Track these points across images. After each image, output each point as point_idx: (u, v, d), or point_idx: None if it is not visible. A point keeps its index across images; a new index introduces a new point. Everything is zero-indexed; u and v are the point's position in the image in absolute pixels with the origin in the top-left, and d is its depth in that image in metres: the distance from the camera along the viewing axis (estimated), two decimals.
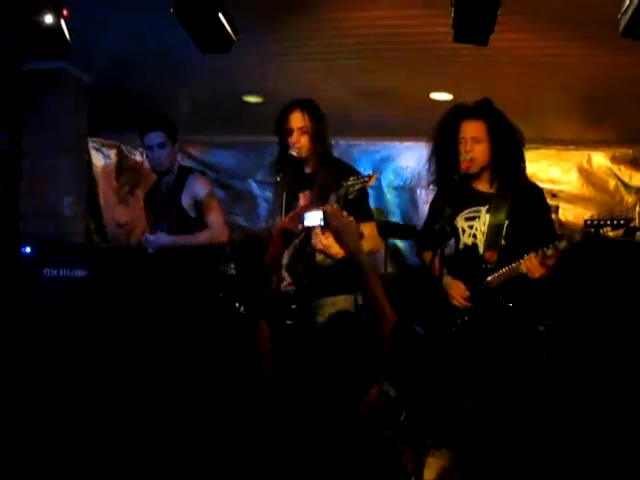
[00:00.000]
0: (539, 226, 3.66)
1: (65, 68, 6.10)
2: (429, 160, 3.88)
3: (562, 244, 3.42)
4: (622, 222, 3.45)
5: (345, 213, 2.86)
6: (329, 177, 3.78)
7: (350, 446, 2.20)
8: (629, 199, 7.15)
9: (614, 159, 7.29)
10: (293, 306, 3.73)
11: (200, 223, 4.40)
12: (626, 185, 7.21)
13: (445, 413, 3.71)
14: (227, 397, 4.00)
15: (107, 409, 4.11)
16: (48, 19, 4.04)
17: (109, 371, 4.43)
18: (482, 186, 3.79)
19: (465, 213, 3.77)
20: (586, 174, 7.39)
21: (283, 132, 3.90)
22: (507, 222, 3.66)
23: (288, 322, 3.65)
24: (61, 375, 4.55)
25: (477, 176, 3.75)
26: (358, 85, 6.09)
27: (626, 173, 7.22)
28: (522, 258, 3.50)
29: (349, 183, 3.45)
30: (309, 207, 3.44)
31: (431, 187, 4.00)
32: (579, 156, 7.42)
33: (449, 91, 6.12)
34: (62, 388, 4.40)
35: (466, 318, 3.71)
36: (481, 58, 4.90)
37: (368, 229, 3.82)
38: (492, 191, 3.76)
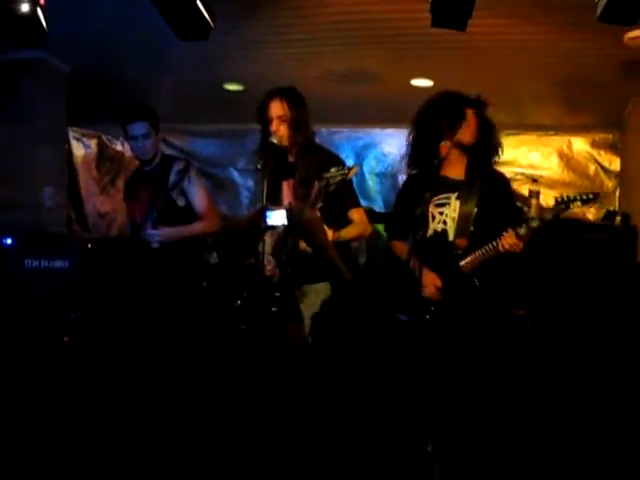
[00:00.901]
0: (507, 212, 3.75)
1: (43, 57, 6.06)
2: (410, 145, 3.92)
3: (535, 222, 3.54)
4: (591, 196, 3.53)
5: (310, 210, 2.86)
6: (311, 165, 3.79)
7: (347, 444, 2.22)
8: (609, 184, 7.22)
9: (594, 144, 7.34)
10: (277, 294, 3.73)
11: (188, 211, 4.40)
12: (606, 170, 7.27)
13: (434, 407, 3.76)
14: (209, 385, 4.02)
15: (94, 398, 4.12)
16: (24, 7, 4.00)
17: (96, 362, 4.43)
18: (454, 173, 3.86)
19: (435, 199, 3.82)
20: (566, 159, 7.43)
21: (264, 120, 3.90)
22: (476, 209, 3.76)
23: (273, 309, 3.66)
24: (44, 367, 4.55)
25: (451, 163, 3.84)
26: (339, 72, 6.08)
27: (606, 158, 7.27)
28: (495, 240, 3.60)
29: (329, 175, 3.45)
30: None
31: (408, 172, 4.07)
32: (559, 141, 7.47)
33: (430, 77, 6.12)
34: (46, 380, 4.40)
35: (440, 305, 3.73)
36: (461, 44, 4.91)
37: (357, 214, 3.88)
38: (462, 178, 3.85)
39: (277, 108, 3.86)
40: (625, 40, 4.53)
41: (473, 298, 3.72)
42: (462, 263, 3.72)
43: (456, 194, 3.83)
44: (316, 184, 3.54)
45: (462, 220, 3.79)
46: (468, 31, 3.78)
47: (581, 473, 3.54)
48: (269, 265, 3.82)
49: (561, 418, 4.09)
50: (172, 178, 4.36)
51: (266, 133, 3.88)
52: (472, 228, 3.76)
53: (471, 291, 3.72)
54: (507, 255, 3.62)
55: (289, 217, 2.76)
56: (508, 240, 3.57)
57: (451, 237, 3.80)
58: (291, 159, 3.97)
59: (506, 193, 3.94)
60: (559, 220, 3.58)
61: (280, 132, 3.82)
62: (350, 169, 3.47)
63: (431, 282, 3.72)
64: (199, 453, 3.52)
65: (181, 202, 4.41)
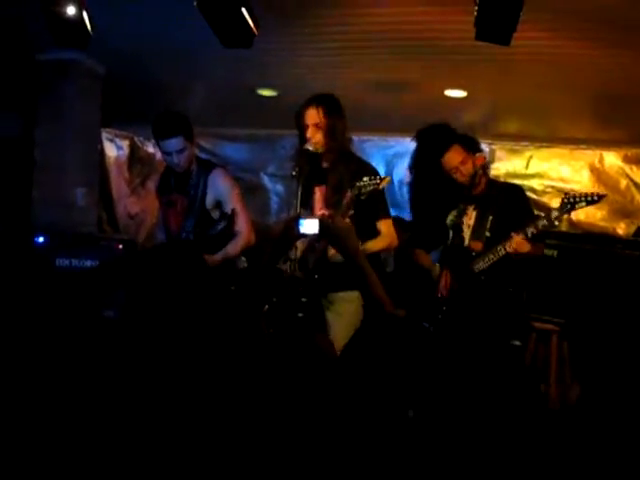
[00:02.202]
0: (523, 219, 3.96)
1: (79, 58, 6.13)
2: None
3: (541, 222, 3.80)
4: (595, 198, 3.69)
5: (341, 219, 2.90)
6: (345, 173, 3.80)
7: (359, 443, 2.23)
8: None
9: (626, 159, 7.28)
10: (303, 299, 3.74)
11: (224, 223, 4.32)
12: (637, 185, 7.21)
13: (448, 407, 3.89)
14: (235, 387, 4.04)
15: (122, 397, 4.15)
16: (70, 10, 4.04)
17: (123, 364, 4.45)
18: (473, 190, 4.26)
19: (456, 210, 4.33)
20: (597, 173, 7.38)
21: (300, 127, 3.92)
22: (491, 217, 4.14)
23: (299, 315, 3.67)
24: (71, 365, 4.59)
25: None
26: (372, 80, 6.09)
27: (637, 173, 7.22)
28: (505, 241, 3.90)
29: (361, 184, 3.50)
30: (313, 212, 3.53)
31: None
32: (591, 155, 7.42)
33: (464, 88, 6.11)
34: (75, 377, 4.44)
35: (452, 304, 4.12)
36: (499, 56, 4.88)
37: (385, 226, 3.89)
38: (479, 192, 4.26)
39: (313, 115, 3.87)
40: None
41: (480, 294, 4.04)
42: (474, 263, 4.08)
43: (473, 205, 4.26)
44: (348, 192, 3.56)
45: (478, 227, 4.17)
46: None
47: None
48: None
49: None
50: (209, 193, 4.30)
51: (302, 140, 3.90)
52: (488, 234, 4.11)
53: (479, 288, 4.05)
54: (518, 258, 3.91)
55: (321, 226, 2.79)
56: (515, 239, 3.83)
57: (466, 242, 4.20)
58: (325, 165, 3.98)
59: (521, 201, 4.23)
60: (568, 218, 3.99)
61: (315, 139, 3.83)
62: (382, 179, 3.51)
63: (445, 281, 4.16)
64: (223, 455, 3.53)
65: (215, 215, 4.30)
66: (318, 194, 3.98)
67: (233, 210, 4.13)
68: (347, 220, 3.60)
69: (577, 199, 3.71)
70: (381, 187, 3.54)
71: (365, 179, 3.50)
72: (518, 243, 3.83)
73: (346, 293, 3.85)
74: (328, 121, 3.87)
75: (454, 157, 4.21)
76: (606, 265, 5.11)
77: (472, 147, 4.25)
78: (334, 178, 3.87)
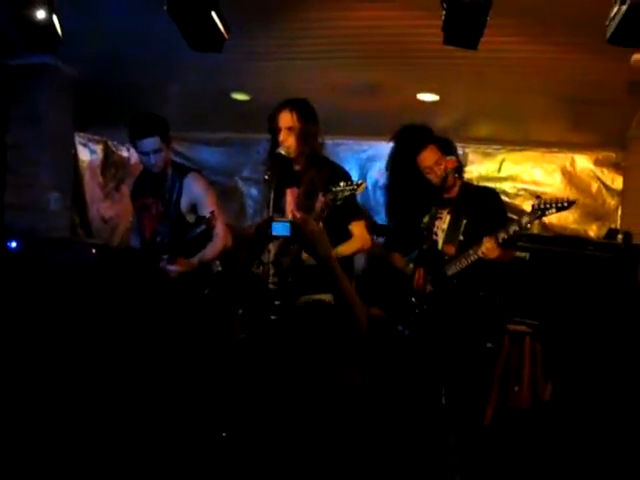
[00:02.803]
0: (496, 223, 4.02)
1: (51, 62, 6.10)
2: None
3: (512, 227, 3.87)
4: (565, 204, 3.77)
5: (314, 222, 2.92)
6: (317, 177, 3.82)
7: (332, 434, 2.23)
8: (611, 202, 7.20)
9: (597, 162, 7.33)
10: (276, 302, 3.75)
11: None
12: (608, 188, 7.25)
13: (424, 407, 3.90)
14: (211, 389, 4.03)
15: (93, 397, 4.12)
16: (40, 14, 4.02)
17: (99, 365, 4.43)
18: (448, 193, 4.33)
19: (429, 214, 4.39)
20: (569, 176, 7.42)
21: (273, 130, 3.93)
22: (465, 221, 4.19)
23: (272, 317, 3.68)
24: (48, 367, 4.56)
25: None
26: (345, 84, 6.10)
27: (609, 176, 7.26)
28: (476, 245, 3.97)
29: (338, 189, 3.51)
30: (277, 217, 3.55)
31: None
32: (563, 158, 7.46)
33: (436, 92, 6.14)
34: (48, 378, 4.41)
35: (424, 307, 4.18)
36: (469, 60, 4.92)
37: (357, 228, 3.92)
38: (453, 196, 4.32)
39: (286, 119, 3.89)
40: (632, 62, 4.56)
41: (453, 298, 4.12)
42: (447, 267, 4.14)
43: (447, 209, 4.30)
44: (322, 197, 3.58)
45: (451, 231, 4.23)
46: (477, 49, 3.82)
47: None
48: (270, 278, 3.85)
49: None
50: (185, 197, 4.30)
51: (274, 143, 3.91)
52: (461, 238, 4.17)
53: (451, 292, 4.12)
54: (490, 262, 3.98)
55: (293, 228, 2.80)
56: (487, 245, 3.89)
57: (440, 246, 4.25)
58: (296, 168, 3.99)
59: (495, 205, 4.30)
60: (538, 224, 4.06)
61: (288, 143, 3.84)
62: (359, 185, 3.53)
63: (418, 284, 4.21)
64: (194, 456, 3.53)
65: (191, 219, 4.34)
66: (290, 197, 3.99)
67: (212, 213, 4.12)
68: (320, 224, 3.61)
69: (547, 205, 3.78)
70: (359, 192, 3.57)
71: (342, 184, 3.51)
72: (488, 248, 3.90)
73: (319, 296, 3.86)
74: (302, 125, 3.89)
75: (429, 156, 4.25)
76: (578, 267, 5.17)
77: (447, 149, 4.29)
78: (306, 182, 3.88)
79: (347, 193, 3.50)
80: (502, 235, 3.87)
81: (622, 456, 3.82)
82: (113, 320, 4.53)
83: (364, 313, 2.56)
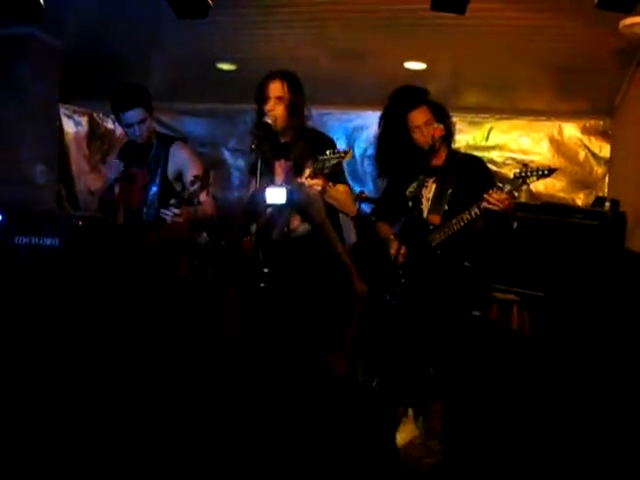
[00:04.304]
0: (483, 191, 3.92)
1: (35, 33, 6.01)
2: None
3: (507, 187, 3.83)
4: (546, 172, 3.77)
5: (307, 188, 2.90)
6: (306, 148, 3.82)
7: (323, 411, 2.25)
8: (598, 170, 7.22)
9: (585, 130, 7.33)
10: (265, 270, 3.75)
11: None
12: (596, 156, 7.26)
13: (413, 376, 3.94)
14: (197, 359, 4.04)
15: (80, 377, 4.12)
16: None
17: (83, 342, 4.41)
18: (434, 160, 4.24)
19: (416, 182, 4.24)
20: (557, 144, 7.42)
21: (261, 99, 3.91)
22: (450, 190, 4.14)
23: (261, 285, 3.68)
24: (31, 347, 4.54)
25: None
26: (331, 53, 6.05)
27: (596, 144, 7.27)
28: (466, 210, 3.92)
29: (325, 157, 3.49)
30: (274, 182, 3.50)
31: None
32: (550, 127, 7.46)
33: (423, 60, 6.10)
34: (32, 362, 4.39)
35: (408, 277, 4.09)
36: (456, 27, 4.89)
37: (343, 190, 3.91)
38: (439, 164, 4.24)
39: (277, 88, 3.89)
40: (620, 27, 4.52)
41: (437, 267, 4.05)
42: (431, 236, 4.09)
43: (433, 178, 4.22)
44: (310, 166, 3.56)
45: (436, 200, 4.16)
46: (465, 15, 3.79)
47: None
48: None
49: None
50: (171, 165, 4.28)
51: (261, 113, 3.90)
52: (447, 207, 4.11)
53: (435, 261, 4.06)
54: (476, 232, 4.00)
55: (288, 195, 2.80)
56: (495, 196, 3.79)
57: (425, 214, 4.17)
58: (284, 140, 3.98)
59: (481, 173, 4.24)
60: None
61: (275, 112, 3.83)
62: (346, 153, 3.51)
63: (401, 253, 4.05)
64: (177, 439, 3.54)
65: (178, 187, 4.35)
66: (279, 169, 3.98)
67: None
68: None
69: (528, 173, 3.77)
70: (346, 159, 3.55)
71: (328, 152, 3.49)
72: (498, 199, 3.81)
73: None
74: (291, 97, 3.90)
75: (420, 116, 4.19)
76: (565, 235, 5.19)
77: (439, 115, 4.24)
78: (295, 153, 3.88)
79: (334, 161, 3.48)
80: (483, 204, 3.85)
81: (610, 424, 3.86)
82: (92, 296, 4.49)
83: (359, 277, 2.58)
